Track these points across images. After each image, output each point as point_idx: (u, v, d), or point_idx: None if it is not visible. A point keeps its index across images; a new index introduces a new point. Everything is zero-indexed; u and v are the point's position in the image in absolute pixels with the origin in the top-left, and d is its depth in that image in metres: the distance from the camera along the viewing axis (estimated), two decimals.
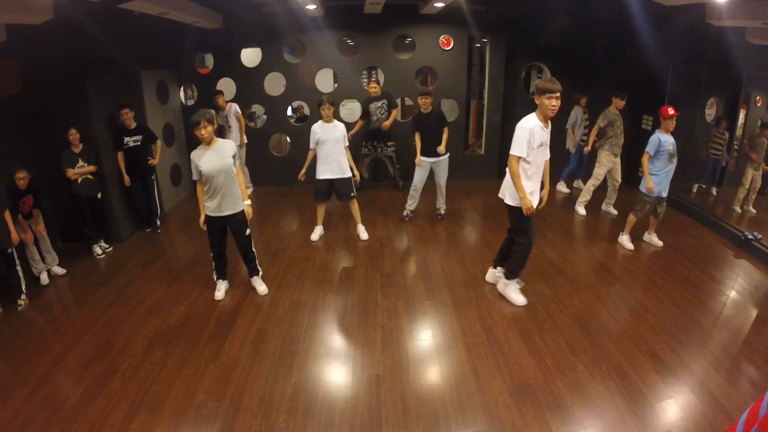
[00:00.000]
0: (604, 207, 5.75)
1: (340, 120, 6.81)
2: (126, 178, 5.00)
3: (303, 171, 4.71)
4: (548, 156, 3.40)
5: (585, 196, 5.65)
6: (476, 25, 6.37)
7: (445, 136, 5.03)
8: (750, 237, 4.43)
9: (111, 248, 4.87)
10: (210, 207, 3.49)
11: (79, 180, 4.52)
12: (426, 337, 3.25)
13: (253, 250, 3.82)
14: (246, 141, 6.42)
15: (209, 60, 7.29)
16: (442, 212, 5.56)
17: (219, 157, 3.39)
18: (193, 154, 3.40)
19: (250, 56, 6.82)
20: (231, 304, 3.72)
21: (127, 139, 4.95)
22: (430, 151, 5.07)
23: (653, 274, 4.06)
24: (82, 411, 2.58)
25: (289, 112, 7.27)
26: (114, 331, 3.39)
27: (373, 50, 6.70)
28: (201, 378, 2.84)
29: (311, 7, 5.46)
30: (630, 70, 6.32)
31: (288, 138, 7.29)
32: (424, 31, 6.62)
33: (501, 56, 6.76)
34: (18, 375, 2.93)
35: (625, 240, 4.65)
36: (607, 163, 5.41)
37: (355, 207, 4.89)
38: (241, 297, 3.81)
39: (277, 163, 7.04)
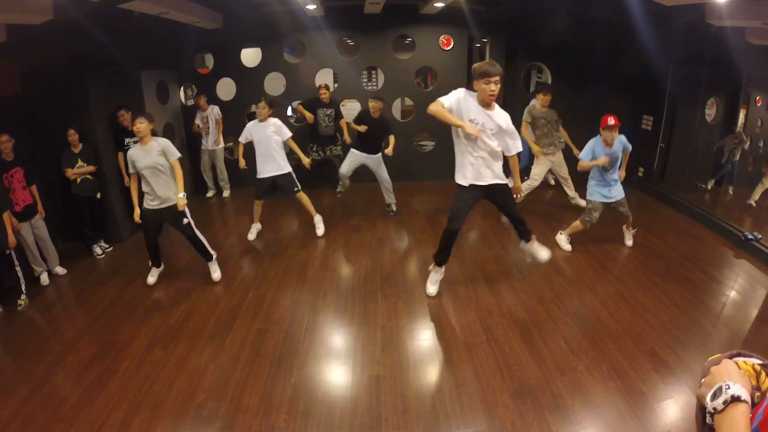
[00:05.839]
0: (573, 203, 5.64)
1: (339, 118, 6.77)
2: (126, 178, 5.00)
3: (241, 162, 4.90)
4: (513, 151, 3.36)
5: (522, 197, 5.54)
6: (476, 25, 6.36)
7: (392, 142, 5.15)
8: (750, 237, 4.43)
9: (111, 248, 4.88)
10: (147, 200, 3.81)
11: (78, 180, 4.51)
12: (426, 337, 3.25)
13: (199, 236, 3.91)
14: (224, 144, 6.48)
15: (209, 60, 7.29)
16: (393, 208, 5.57)
17: (148, 155, 3.70)
18: (130, 153, 3.76)
19: (250, 56, 6.81)
20: (231, 304, 3.72)
21: (127, 140, 4.95)
22: (362, 148, 5.24)
23: (653, 274, 4.06)
24: (82, 411, 2.58)
25: (289, 112, 7.26)
26: (114, 331, 3.39)
27: (373, 50, 6.69)
28: (201, 378, 2.84)
29: (311, 7, 5.46)
30: (630, 70, 6.32)
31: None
32: (424, 31, 6.62)
33: (501, 56, 6.75)
34: (18, 375, 2.93)
35: (562, 240, 4.57)
36: (541, 163, 5.26)
37: (304, 199, 4.88)
38: (241, 297, 3.81)
39: None
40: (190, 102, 7.22)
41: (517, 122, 3.78)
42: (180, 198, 3.79)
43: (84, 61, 4.60)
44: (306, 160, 4.99)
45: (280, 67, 6.71)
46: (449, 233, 3.53)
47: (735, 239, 4.65)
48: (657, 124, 6.24)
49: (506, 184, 3.55)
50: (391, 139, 5.17)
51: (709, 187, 6.25)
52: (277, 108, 5.08)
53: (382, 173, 5.32)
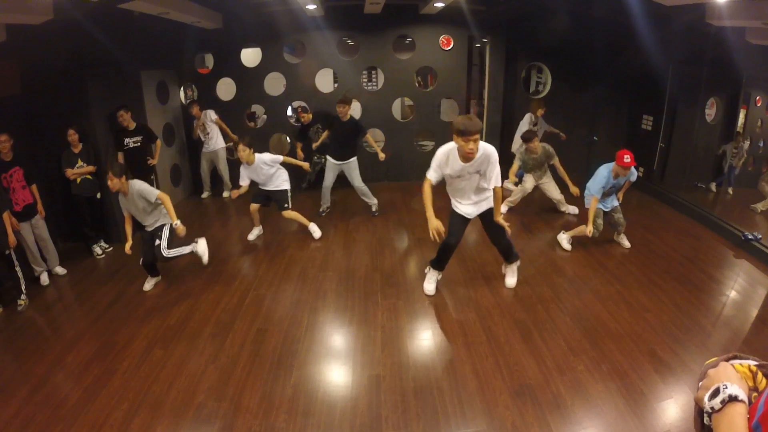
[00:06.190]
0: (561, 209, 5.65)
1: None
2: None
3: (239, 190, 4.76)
4: (492, 185, 3.35)
5: (513, 196, 5.54)
6: (476, 25, 6.36)
7: (372, 143, 5.43)
8: (750, 237, 4.43)
9: (111, 248, 4.87)
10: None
11: (78, 180, 4.51)
12: (426, 337, 3.25)
13: (173, 256, 3.91)
14: (224, 144, 6.41)
15: (209, 60, 7.29)
16: (374, 209, 5.61)
17: (131, 203, 3.82)
18: (120, 200, 3.90)
19: (250, 56, 6.81)
20: (231, 304, 3.72)
21: (127, 140, 4.96)
22: (337, 154, 5.27)
23: (653, 274, 4.06)
24: (82, 411, 2.58)
25: (289, 112, 7.27)
26: (114, 331, 3.39)
27: (373, 50, 6.69)
28: (201, 378, 2.84)
29: (311, 7, 5.46)
30: (630, 70, 6.32)
31: (288, 138, 7.29)
32: (424, 31, 6.62)
33: (501, 56, 6.75)
34: (18, 375, 2.93)
35: (563, 239, 4.58)
36: (530, 180, 5.42)
37: (293, 216, 4.87)
38: (241, 297, 3.81)
39: None
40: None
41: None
42: (177, 226, 3.82)
43: (84, 61, 4.59)
44: (305, 165, 5.16)
45: (280, 67, 6.71)
46: (447, 246, 3.59)
47: (735, 239, 4.65)
48: (657, 124, 6.25)
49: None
50: (370, 139, 5.39)
51: (714, 189, 6.25)
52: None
53: (356, 180, 5.36)
